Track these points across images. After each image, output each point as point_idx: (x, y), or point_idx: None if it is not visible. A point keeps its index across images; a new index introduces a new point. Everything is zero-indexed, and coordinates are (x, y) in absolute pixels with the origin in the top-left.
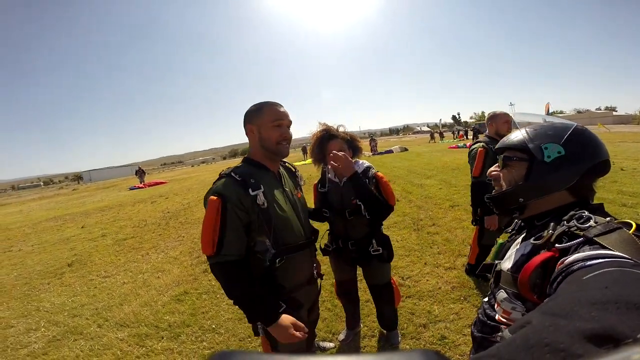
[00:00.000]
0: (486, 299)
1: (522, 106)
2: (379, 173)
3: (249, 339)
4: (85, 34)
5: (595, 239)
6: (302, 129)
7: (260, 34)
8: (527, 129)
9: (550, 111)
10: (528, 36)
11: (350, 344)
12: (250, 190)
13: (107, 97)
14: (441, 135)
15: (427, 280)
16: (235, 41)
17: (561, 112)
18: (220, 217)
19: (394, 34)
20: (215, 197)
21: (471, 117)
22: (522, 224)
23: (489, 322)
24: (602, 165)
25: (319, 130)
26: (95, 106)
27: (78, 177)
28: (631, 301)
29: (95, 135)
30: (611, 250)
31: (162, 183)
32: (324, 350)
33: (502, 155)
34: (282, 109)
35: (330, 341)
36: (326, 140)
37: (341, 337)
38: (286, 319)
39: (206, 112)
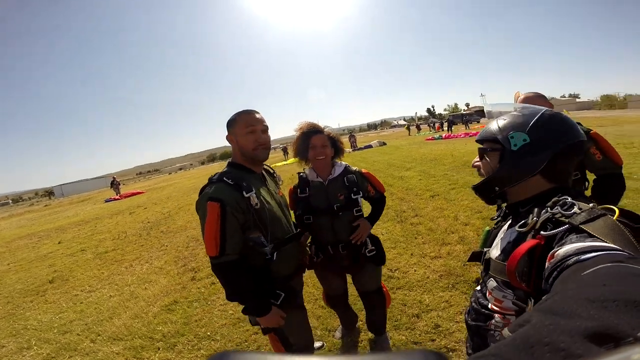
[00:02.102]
0: (478, 287)
1: (492, 96)
2: (364, 169)
3: (246, 343)
4: (48, 39)
5: (581, 226)
6: (282, 130)
7: (235, 34)
8: (498, 120)
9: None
10: (494, 26)
11: (347, 341)
12: (244, 193)
13: (73, 107)
14: (418, 128)
15: (415, 271)
16: (209, 41)
17: None
18: (220, 221)
19: (368, 32)
20: (214, 203)
21: (445, 109)
22: (507, 210)
23: (482, 310)
24: (572, 148)
25: (304, 124)
26: (62, 118)
27: (49, 193)
28: (630, 298)
29: (64, 147)
30: (599, 238)
31: (139, 193)
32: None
33: (479, 147)
34: (255, 116)
35: (319, 340)
36: (310, 135)
37: (337, 334)
38: (275, 311)
39: (180, 117)
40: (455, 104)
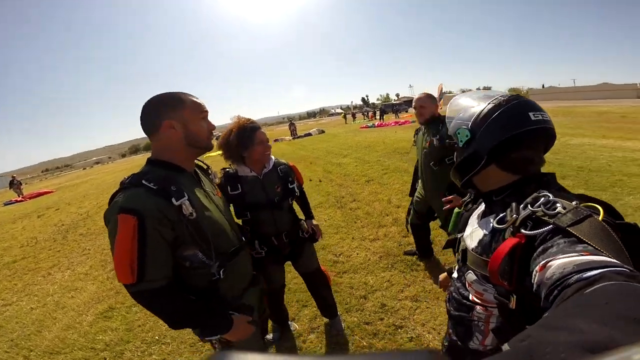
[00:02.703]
0: (455, 275)
1: (419, 87)
2: (291, 163)
3: (200, 344)
4: None
5: (568, 229)
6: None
7: (160, 13)
8: (457, 114)
9: (443, 91)
10: (422, 20)
11: (306, 327)
12: (173, 200)
13: None
14: (353, 117)
15: (357, 254)
16: (127, 23)
17: (450, 92)
18: (139, 239)
19: (307, 24)
20: (128, 216)
21: (378, 99)
22: (481, 198)
23: (464, 301)
24: (518, 138)
25: (244, 120)
26: None
27: None
28: (630, 315)
29: None
30: (590, 245)
31: (47, 193)
32: (271, 343)
33: (447, 141)
34: (200, 100)
35: (275, 331)
36: (255, 130)
37: (270, 337)
38: (238, 319)
39: (96, 106)
40: (387, 94)
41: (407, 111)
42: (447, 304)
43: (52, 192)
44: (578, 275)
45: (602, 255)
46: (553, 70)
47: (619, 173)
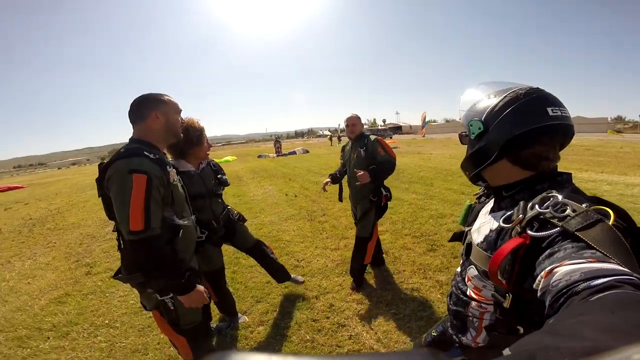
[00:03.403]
0: (459, 270)
1: (405, 114)
2: (216, 161)
3: (149, 329)
4: None
5: (577, 234)
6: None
7: (153, 24)
8: (472, 105)
9: (426, 119)
10: (410, 50)
11: (235, 329)
12: (167, 167)
13: None
14: (339, 139)
15: (318, 260)
16: (123, 28)
17: (434, 121)
18: (146, 195)
19: (301, 43)
20: (141, 175)
21: (365, 124)
22: (491, 192)
23: (462, 296)
24: (531, 134)
25: (198, 122)
26: None
27: None
28: (636, 324)
29: None
30: (600, 251)
31: (17, 188)
32: (220, 331)
33: (459, 133)
34: (176, 100)
35: (224, 321)
36: (203, 132)
37: (222, 325)
38: (199, 287)
39: (80, 105)
40: (374, 119)
41: (391, 137)
42: (448, 299)
43: (23, 187)
44: (586, 284)
45: (611, 263)
46: None
47: None
